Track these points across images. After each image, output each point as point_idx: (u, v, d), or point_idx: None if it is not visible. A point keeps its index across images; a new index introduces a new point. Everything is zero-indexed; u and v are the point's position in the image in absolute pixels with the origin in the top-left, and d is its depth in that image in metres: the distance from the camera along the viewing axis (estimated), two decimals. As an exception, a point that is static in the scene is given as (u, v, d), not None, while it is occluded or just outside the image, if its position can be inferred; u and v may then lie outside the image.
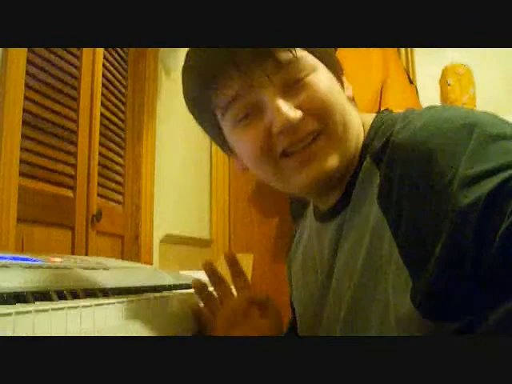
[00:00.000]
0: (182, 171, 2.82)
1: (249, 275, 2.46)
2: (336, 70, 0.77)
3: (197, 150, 3.13)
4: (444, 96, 3.08)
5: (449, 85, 3.04)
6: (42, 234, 1.59)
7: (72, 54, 1.81)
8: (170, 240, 2.47)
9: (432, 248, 0.55)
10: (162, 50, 2.57)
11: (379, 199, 0.66)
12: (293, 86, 0.70)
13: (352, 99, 0.80)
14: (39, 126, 1.60)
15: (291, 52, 0.69)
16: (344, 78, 0.80)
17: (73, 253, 1.73)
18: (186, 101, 0.80)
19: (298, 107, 0.69)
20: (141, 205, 2.29)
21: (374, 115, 0.79)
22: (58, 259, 0.87)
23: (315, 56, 0.73)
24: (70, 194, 1.77)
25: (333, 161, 0.70)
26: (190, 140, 2.96)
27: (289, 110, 0.68)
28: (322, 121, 0.70)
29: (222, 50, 0.69)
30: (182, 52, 2.66)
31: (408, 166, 0.61)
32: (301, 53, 0.71)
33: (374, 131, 0.74)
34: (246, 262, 2.56)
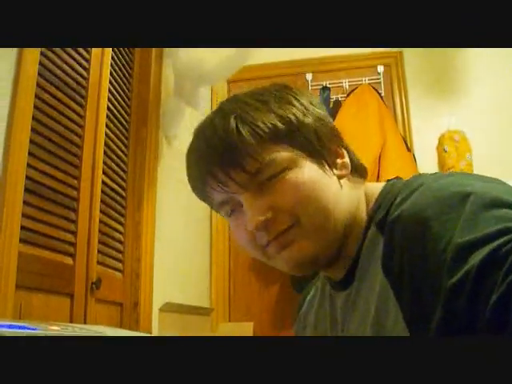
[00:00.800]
0: (182, 239, 2.82)
1: (249, 344, 2.43)
2: (322, 151, 0.78)
3: (197, 218, 3.14)
4: (441, 162, 3.12)
5: (446, 151, 3.09)
6: (41, 301, 1.58)
7: (74, 121, 1.84)
8: (169, 308, 2.44)
9: (431, 317, 0.56)
10: (163, 119, 2.62)
11: (383, 267, 0.68)
12: (267, 186, 0.74)
13: (355, 169, 0.82)
14: (40, 193, 1.61)
15: (257, 160, 0.73)
16: (338, 160, 0.81)
17: (71, 320, 1.71)
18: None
19: (270, 207, 0.74)
20: (140, 272, 2.28)
21: (383, 184, 0.81)
22: (56, 327, 0.85)
23: (294, 146, 0.76)
24: (69, 261, 1.76)
25: (306, 248, 0.75)
26: (190, 208, 2.97)
27: (256, 214, 0.74)
28: (293, 217, 0.74)
29: (206, 163, 0.77)
30: (183, 121, 2.70)
31: (406, 234, 0.63)
32: (270, 156, 0.74)
33: (380, 201, 0.76)
34: (247, 330, 2.52)
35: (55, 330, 0.83)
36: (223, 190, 0.76)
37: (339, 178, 0.79)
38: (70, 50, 1.81)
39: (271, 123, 0.75)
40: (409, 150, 3.13)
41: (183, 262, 2.80)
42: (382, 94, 3.33)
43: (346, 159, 0.81)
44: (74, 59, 1.85)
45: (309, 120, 0.78)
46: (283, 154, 0.75)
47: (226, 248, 3.35)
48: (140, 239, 2.33)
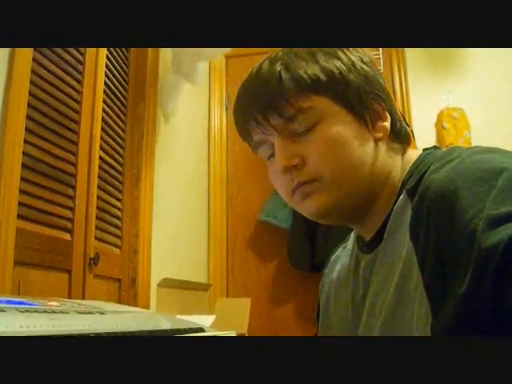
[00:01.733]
0: (180, 215, 2.82)
1: (246, 319, 2.44)
2: (362, 110, 0.80)
3: (195, 195, 3.14)
4: (440, 139, 3.12)
5: (444, 128, 3.08)
6: (39, 277, 1.58)
7: (71, 97, 1.83)
8: (167, 284, 2.46)
9: (454, 286, 0.55)
10: (161, 95, 2.61)
11: (410, 232, 0.68)
12: (299, 134, 0.78)
13: (395, 134, 0.83)
14: (38, 169, 1.61)
15: (294, 106, 0.77)
16: (379, 122, 0.82)
17: (70, 296, 1.72)
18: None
19: (298, 154, 0.78)
20: (138, 248, 2.29)
21: (419, 152, 0.82)
22: (54, 303, 0.86)
23: (334, 100, 0.78)
24: (67, 237, 1.77)
25: (322, 202, 0.78)
26: (188, 184, 2.97)
27: (286, 158, 0.78)
28: (316, 171, 0.77)
29: (248, 103, 0.82)
30: (181, 97, 2.68)
31: (436, 202, 0.63)
32: (307, 104, 0.77)
33: (413, 168, 0.77)
34: (244, 306, 2.54)
35: (53, 305, 0.84)
36: (260, 131, 0.81)
37: (375, 140, 0.80)
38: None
39: (314, 74, 0.78)
40: (407, 126, 3.12)
41: (181, 238, 2.81)
42: (382, 71, 3.31)
43: (387, 123, 0.82)
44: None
45: (353, 77, 0.80)
46: (320, 106, 0.78)
47: (223, 224, 3.36)
48: (138, 215, 2.33)
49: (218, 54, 3.03)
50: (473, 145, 3.06)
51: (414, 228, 0.67)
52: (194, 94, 3.14)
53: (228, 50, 2.78)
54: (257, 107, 0.80)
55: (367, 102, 0.80)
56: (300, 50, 0.81)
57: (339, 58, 0.80)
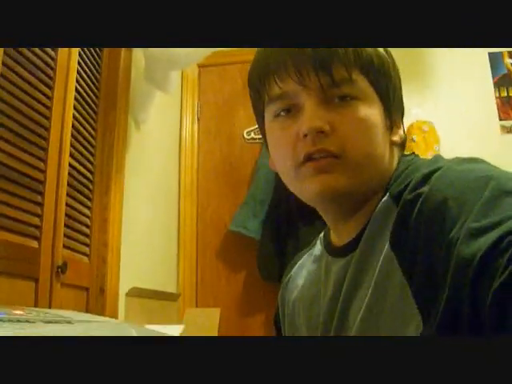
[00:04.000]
0: (150, 224, 2.80)
1: (216, 329, 2.43)
2: (391, 109, 0.80)
3: (165, 204, 3.12)
4: (409, 152, 3.15)
5: (414, 141, 3.12)
6: (5, 285, 1.55)
7: (41, 102, 1.81)
8: (136, 293, 2.43)
9: (440, 295, 0.56)
10: (133, 103, 2.59)
11: (392, 240, 0.68)
12: (337, 103, 0.75)
13: (399, 144, 0.84)
14: (6, 176, 1.58)
15: (346, 72, 0.74)
16: (395, 128, 0.83)
17: (36, 305, 1.69)
18: (248, 85, 0.85)
19: (330, 123, 0.73)
20: (107, 257, 2.26)
21: (397, 158, 0.83)
22: (19, 312, 0.84)
23: (375, 88, 0.77)
24: (35, 244, 1.74)
25: (341, 182, 0.74)
26: (158, 193, 2.95)
27: (318, 119, 0.73)
28: (342, 147, 0.73)
29: (291, 50, 0.75)
30: (153, 106, 2.67)
31: (426, 211, 0.64)
32: (358, 77, 0.75)
33: (398, 173, 0.77)
34: (213, 316, 2.53)
35: (19, 314, 0.82)
36: (298, 82, 0.75)
37: (391, 142, 0.81)
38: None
39: (369, 54, 0.77)
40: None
41: (151, 247, 2.79)
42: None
43: (401, 130, 0.84)
44: (42, 39, 1.81)
45: (396, 78, 0.82)
46: (366, 86, 0.77)
47: (193, 233, 3.34)
48: (107, 224, 2.30)
49: (191, 64, 3.03)
50: (441, 154, 3.12)
51: (398, 236, 0.67)
52: (166, 103, 3.13)
53: (201, 60, 2.77)
54: (309, 58, 0.74)
55: (396, 106, 0.82)
56: None
57: (389, 55, 0.81)
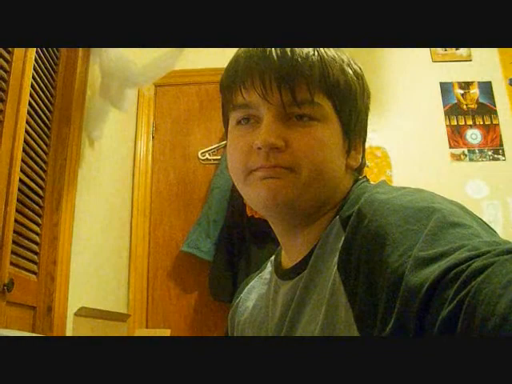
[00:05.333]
0: (101, 242, 2.75)
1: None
2: (351, 134, 0.81)
3: (117, 222, 3.07)
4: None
5: (367, 166, 3.17)
6: None
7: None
8: (85, 313, 2.37)
9: (381, 323, 0.56)
10: (87, 119, 2.56)
11: (338, 264, 0.68)
12: (295, 121, 0.76)
13: (356, 169, 0.85)
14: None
15: (310, 94, 0.75)
16: (353, 151, 0.83)
17: (-20, 324, 1.63)
18: (219, 88, 0.86)
19: (285, 139, 0.75)
20: (56, 275, 2.20)
21: (351, 181, 0.84)
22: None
23: (336, 111, 0.78)
24: (-20, 261, 1.68)
25: (288, 190, 0.75)
26: (110, 212, 2.91)
27: (274, 135, 0.74)
28: (295, 165, 0.75)
29: (260, 58, 0.76)
30: (107, 123, 2.64)
31: (368, 235, 0.64)
32: (321, 99, 0.76)
33: (349, 197, 0.78)
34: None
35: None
36: (260, 96, 0.76)
37: (346, 165, 0.82)
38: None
39: (337, 79, 0.78)
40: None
41: (101, 266, 2.74)
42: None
43: (360, 156, 0.85)
44: (-4, 51, 1.78)
45: (361, 104, 0.82)
46: (327, 108, 0.77)
47: (144, 254, 3.30)
48: (57, 241, 2.25)
49: (147, 82, 3.01)
50: (394, 183, 3.20)
51: (343, 260, 0.68)
52: (121, 121, 3.10)
53: (157, 79, 2.76)
54: (275, 73, 0.75)
55: (357, 131, 0.83)
56: (331, 50, 0.80)
57: (359, 78, 0.82)
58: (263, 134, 0.74)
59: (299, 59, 0.75)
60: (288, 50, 0.76)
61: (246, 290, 1.01)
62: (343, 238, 0.70)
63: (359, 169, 0.87)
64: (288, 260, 0.86)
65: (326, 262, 0.73)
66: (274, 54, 0.76)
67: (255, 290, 0.97)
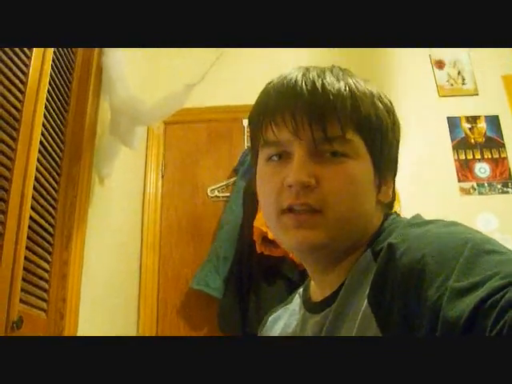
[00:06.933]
0: (110, 280, 2.75)
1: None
2: (382, 169, 0.81)
3: (127, 259, 3.08)
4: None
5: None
6: (-43, 339, 1.49)
7: (4, 154, 1.79)
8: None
9: None
10: (97, 157, 2.58)
11: (370, 295, 0.68)
12: (327, 158, 0.76)
13: (387, 204, 0.85)
14: (-36, 226, 1.54)
15: (342, 130, 0.75)
16: (383, 187, 0.83)
17: (-11, 361, 1.62)
18: (248, 123, 0.86)
19: (316, 177, 0.74)
20: (65, 313, 2.20)
21: (382, 216, 0.83)
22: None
23: (367, 147, 0.78)
24: (-10, 298, 1.69)
25: (319, 238, 0.75)
26: (120, 248, 2.91)
27: (305, 173, 0.74)
28: (324, 202, 0.74)
29: (290, 94, 0.76)
30: (117, 161, 2.64)
31: (403, 268, 0.64)
32: (352, 135, 0.76)
33: (381, 231, 0.78)
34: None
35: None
36: (291, 134, 0.75)
37: (377, 201, 0.81)
38: (2, 76, 1.76)
39: (369, 114, 0.77)
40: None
41: (110, 303, 2.73)
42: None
43: (391, 191, 0.85)
44: (8, 89, 1.81)
45: (392, 138, 0.82)
46: (359, 144, 0.77)
47: (154, 290, 3.29)
48: (66, 279, 2.25)
49: (156, 120, 3.05)
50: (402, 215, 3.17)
51: (375, 293, 0.68)
52: (131, 158, 3.12)
53: (166, 116, 2.79)
54: (306, 110, 0.75)
55: (389, 167, 0.83)
56: (359, 80, 0.80)
57: (381, 101, 0.81)
58: (295, 172, 0.74)
59: (330, 95, 0.75)
60: (319, 85, 0.75)
61: (270, 319, 1.01)
62: (374, 271, 0.70)
63: (390, 203, 0.86)
64: (318, 293, 0.86)
65: (357, 295, 0.73)
66: (304, 89, 0.76)
67: (281, 321, 0.96)
